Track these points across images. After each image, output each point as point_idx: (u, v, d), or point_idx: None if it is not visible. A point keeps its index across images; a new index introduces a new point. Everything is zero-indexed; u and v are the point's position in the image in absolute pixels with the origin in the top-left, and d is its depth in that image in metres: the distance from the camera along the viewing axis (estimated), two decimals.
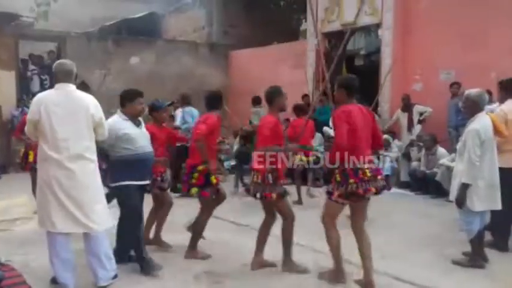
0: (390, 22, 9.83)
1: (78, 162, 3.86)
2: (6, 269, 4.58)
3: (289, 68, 12.34)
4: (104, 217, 4.04)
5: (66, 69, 3.98)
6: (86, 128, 3.90)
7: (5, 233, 6.00)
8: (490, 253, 4.80)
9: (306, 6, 11.71)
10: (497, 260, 4.77)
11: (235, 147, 11.72)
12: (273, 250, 4.81)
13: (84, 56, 12.53)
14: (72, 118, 3.85)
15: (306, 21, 12.35)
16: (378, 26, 10.23)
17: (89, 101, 3.97)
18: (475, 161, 4.39)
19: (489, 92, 7.06)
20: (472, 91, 4.66)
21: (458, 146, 4.70)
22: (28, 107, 12.32)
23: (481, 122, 4.50)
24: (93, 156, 3.99)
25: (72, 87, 3.96)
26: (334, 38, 11.49)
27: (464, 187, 4.45)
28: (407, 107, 9.43)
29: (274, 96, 4.58)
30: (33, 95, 12.35)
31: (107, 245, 4.13)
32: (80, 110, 3.88)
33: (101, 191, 4.08)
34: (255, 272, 4.57)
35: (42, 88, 12.43)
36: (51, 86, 13.17)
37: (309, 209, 6.86)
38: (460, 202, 4.50)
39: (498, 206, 4.65)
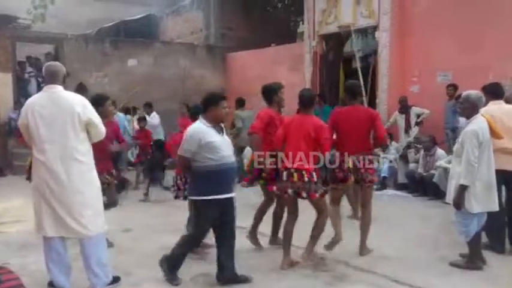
0: (387, 24, 9.85)
1: (64, 164, 3.76)
2: (4, 271, 4.59)
3: (287, 70, 12.35)
4: (96, 222, 3.92)
5: (52, 70, 3.95)
6: (71, 128, 3.78)
7: (2, 236, 5.98)
8: (488, 255, 4.80)
9: (303, 9, 11.74)
10: (494, 262, 4.78)
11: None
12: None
13: (82, 58, 12.55)
14: (57, 119, 3.77)
15: (303, 23, 12.36)
16: (375, 28, 10.25)
17: (75, 101, 3.84)
18: (474, 162, 4.39)
19: None
20: (472, 93, 4.66)
21: (455, 147, 4.71)
22: None
23: (479, 124, 4.51)
24: (84, 157, 3.86)
25: (58, 88, 3.89)
26: (332, 40, 11.51)
27: (462, 189, 4.45)
28: (404, 108, 9.44)
29: (271, 93, 4.93)
30: (31, 97, 12.42)
31: (100, 251, 4.00)
32: (65, 111, 3.78)
33: (93, 194, 3.93)
34: (253, 270, 4.56)
35: (39, 90, 12.42)
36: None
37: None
38: (458, 204, 4.50)
39: (495, 208, 4.65)
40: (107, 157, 5.30)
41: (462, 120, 9.04)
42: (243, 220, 5.99)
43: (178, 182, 5.37)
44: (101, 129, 4.00)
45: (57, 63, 4.10)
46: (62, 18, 16.56)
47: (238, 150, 9.01)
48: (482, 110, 4.69)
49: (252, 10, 15.21)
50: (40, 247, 5.40)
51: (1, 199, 8.06)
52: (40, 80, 12.49)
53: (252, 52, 13.85)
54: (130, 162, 11.94)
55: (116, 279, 4.20)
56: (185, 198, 5.01)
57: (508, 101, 5.34)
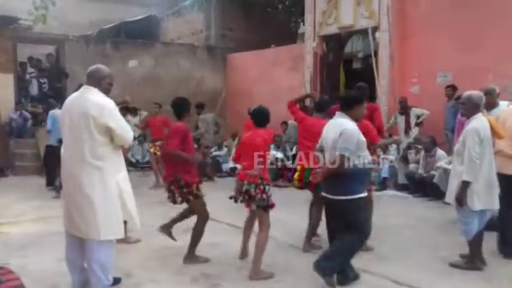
0: (387, 25, 9.86)
1: (77, 166, 3.74)
2: (4, 271, 4.60)
3: (287, 71, 12.37)
4: (106, 228, 3.76)
5: (88, 71, 3.99)
6: (86, 131, 3.68)
7: (2, 236, 5.99)
8: (488, 255, 4.80)
9: (303, 10, 11.75)
10: (494, 263, 4.78)
11: (234, 149, 11.77)
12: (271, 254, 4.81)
13: (83, 59, 12.54)
14: (74, 121, 3.76)
15: (303, 24, 12.38)
16: (375, 29, 10.27)
17: (91, 103, 3.72)
18: (476, 158, 4.42)
19: None
20: (474, 93, 4.70)
21: (457, 147, 4.72)
22: (27, 110, 12.31)
23: (480, 123, 4.55)
24: (99, 162, 3.70)
25: (89, 89, 3.85)
26: (332, 41, 11.53)
27: (465, 185, 4.47)
28: (404, 109, 9.45)
29: (183, 110, 4.95)
30: (32, 98, 12.46)
31: (106, 256, 3.87)
32: (80, 112, 3.73)
33: (105, 200, 3.73)
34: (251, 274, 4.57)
35: (41, 91, 12.45)
36: (50, 89, 13.10)
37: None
38: (461, 200, 4.52)
39: (496, 206, 4.68)
40: (178, 165, 4.83)
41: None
42: (240, 220, 6.02)
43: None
44: (121, 134, 3.78)
45: (99, 66, 4.02)
46: (63, 19, 16.59)
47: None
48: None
49: (252, 11, 15.23)
50: (40, 247, 5.45)
51: (1, 199, 8.07)
52: (41, 80, 12.52)
53: (253, 53, 13.87)
54: (132, 163, 11.97)
55: (116, 281, 4.18)
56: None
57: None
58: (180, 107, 4.99)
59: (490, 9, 8.57)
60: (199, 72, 14.43)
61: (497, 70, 8.28)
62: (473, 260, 4.66)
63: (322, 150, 4.36)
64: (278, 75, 12.76)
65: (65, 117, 3.86)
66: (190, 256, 4.89)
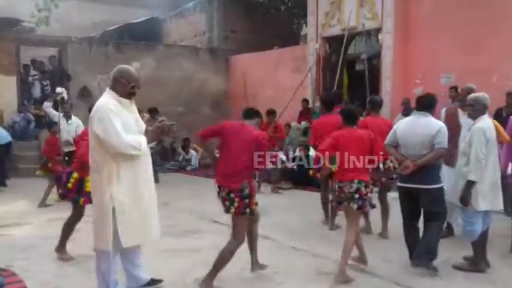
0: (390, 26, 9.84)
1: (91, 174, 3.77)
2: (7, 274, 4.60)
3: (290, 73, 12.36)
4: (97, 237, 3.68)
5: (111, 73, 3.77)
6: (92, 138, 3.64)
7: (5, 239, 5.99)
8: (491, 257, 4.77)
9: (306, 11, 11.74)
10: (498, 265, 4.76)
11: None
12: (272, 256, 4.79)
13: (85, 61, 12.57)
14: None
15: (306, 25, 12.37)
16: (378, 30, 10.25)
17: (94, 108, 3.62)
18: (482, 159, 4.41)
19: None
20: (479, 95, 4.71)
21: (462, 147, 4.71)
22: (30, 113, 12.28)
23: (485, 123, 4.55)
24: (97, 170, 3.63)
25: (106, 92, 3.73)
26: (335, 43, 11.52)
27: (471, 185, 4.46)
28: (408, 111, 9.40)
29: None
30: (35, 100, 12.47)
31: (100, 267, 3.77)
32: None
33: (97, 209, 3.66)
34: (254, 277, 4.56)
35: (43, 93, 12.46)
36: (52, 91, 13.09)
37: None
38: (466, 200, 4.49)
39: (501, 207, 4.68)
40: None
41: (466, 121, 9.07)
42: None
43: None
44: (108, 142, 3.50)
45: (120, 66, 3.84)
46: (66, 21, 16.63)
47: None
48: None
49: (254, 13, 15.23)
50: (42, 250, 5.44)
51: (4, 202, 8.08)
52: (44, 83, 12.53)
53: (255, 55, 13.86)
54: None
55: (153, 282, 4.15)
56: None
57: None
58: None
59: (493, 10, 8.55)
60: (202, 74, 14.43)
61: (501, 71, 8.26)
62: (477, 262, 4.63)
63: (395, 146, 4.78)
64: (281, 77, 12.75)
65: None
66: (207, 283, 4.21)
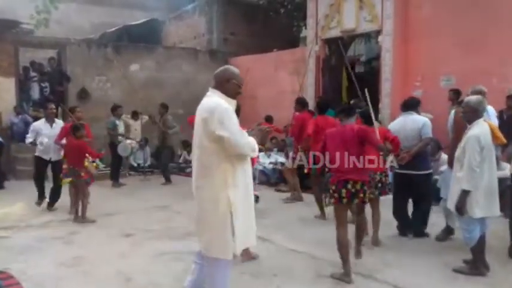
0: (390, 28, 9.83)
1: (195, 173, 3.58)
2: (5, 276, 4.58)
3: (289, 75, 12.34)
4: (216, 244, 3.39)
5: (215, 73, 3.63)
6: (203, 136, 3.37)
7: (3, 241, 5.97)
8: (491, 261, 4.76)
9: (305, 14, 11.74)
10: (498, 268, 4.74)
11: None
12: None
13: (84, 62, 12.55)
14: (197, 125, 3.46)
15: (305, 28, 12.36)
16: (378, 32, 10.24)
17: (205, 107, 3.37)
18: (475, 167, 4.37)
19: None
20: (472, 98, 4.66)
21: (457, 153, 4.68)
22: (28, 114, 12.26)
23: (480, 129, 4.49)
24: (209, 173, 3.43)
25: (210, 92, 3.51)
26: (334, 45, 11.51)
27: (465, 194, 4.43)
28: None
29: None
30: (33, 102, 12.45)
31: (215, 275, 3.43)
32: (199, 118, 3.41)
33: (217, 217, 3.36)
34: (253, 279, 4.54)
35: (42, 95, 12.45)
36: (51, 93, 13.01)
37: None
38: (461, 209, 4.48)
39: (497, 213, 4.64)
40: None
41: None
42: None
43: None
44: (234, 143, 3.25)
45: (227, 67, 3.68)
46: (66, 23, 16.65)
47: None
48: None
49: (254, 15, 15.23)
50: (41, 252, 5.43)
51: (3, 204, 8.06)
52: (43, 84, 12.52)
53: (255, 57, 13.85)
54: (133, 167, 11.97)
55: None
56: None
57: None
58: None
59: (494, 12, 8.54)
60: (201, 76, 14.39)
61: (501, 73, 8.25)
62: (476, 266, 4.62)
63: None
64: (280, 79, 12.74)
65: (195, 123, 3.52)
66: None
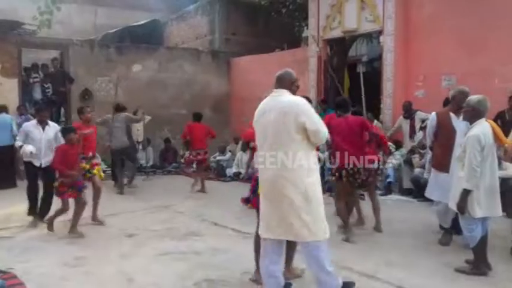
0: (392, 29, 9.83)
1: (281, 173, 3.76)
2: (8, 276, 4.60)
3: None
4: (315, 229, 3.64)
5: (279, 75, 4.00)
6: (298, 137, 3.64)
7: (6, 241, 5.99)
8: (493, 261, 4.76)
9: (307, 14, 11.75)
10: (500, 268, 4.74)
11: (238, 153, 11.75)
12: None
13: (87, 63, 12.59)
14: (276, 122, 3.68)
15: (307, 28, 12.36)
16: (379, 32, 10.24)
17: (290, 103, 3.71)
18: (476, 166, 4.38)
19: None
20: (473, 97, 4.66)
21: (458, 152, 4.69)
22: (31, 115, 12.30)
23: (481, 128, 4.50)
24: (312, 168, 3.76)
25: (277, 92, 3.86)
26: (336, 45, 11.52)
27: (466, 193, 4.44)
28: (409, 113, 9.41)
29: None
30: (36, 102, 12.46)
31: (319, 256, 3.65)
32: (281, 112, 3.66)
33: (316, 204, 3.67)
34: (251, 278, 4.54)
35: (45, 96, 12.48)
36: (54, 94, 12.96)
37: None
38: (462, 208, 4.49)
39: (499, 213, 4.64)
40: None
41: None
42: (245, 226, 6.01)
43: None
44: (320, 133, 3.63)
45: (288, 70, 4.03)
46: (68, 24, 16.68)
47: None
48: None
49: (256, 15, 15.25)
50: (43, 252, 5.44)
51: (6, 204, 8.08)
52: (45, 85, 12.54)
53: (257, 57, 13.87)
54: (140, 167, 11.93)
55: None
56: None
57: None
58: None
59: (495, 12, 8.53)
60: (204, 77, 14.44)
61: (502, 73, 8.24)
62: (478, 266, 4.62)
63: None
64: None
65: (260, 120, 3.82)
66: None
